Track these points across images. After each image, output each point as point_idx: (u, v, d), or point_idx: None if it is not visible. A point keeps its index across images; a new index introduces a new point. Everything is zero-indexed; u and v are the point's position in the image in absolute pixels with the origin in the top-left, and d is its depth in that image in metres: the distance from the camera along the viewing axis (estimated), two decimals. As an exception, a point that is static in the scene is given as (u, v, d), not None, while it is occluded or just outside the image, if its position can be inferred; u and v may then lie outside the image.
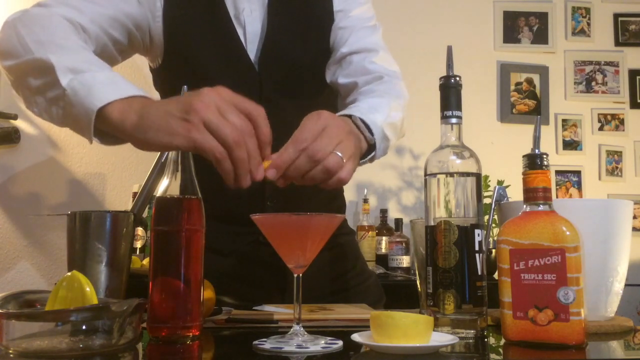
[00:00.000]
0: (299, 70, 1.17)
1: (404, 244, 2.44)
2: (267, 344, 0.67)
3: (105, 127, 0.83)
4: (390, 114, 1.02)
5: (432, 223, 0.78)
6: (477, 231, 0.76)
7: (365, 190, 2.66)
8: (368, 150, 0.97)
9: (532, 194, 0.74)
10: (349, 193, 1.41)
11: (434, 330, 0.68)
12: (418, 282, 0.92)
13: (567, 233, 0.70)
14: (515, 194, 0.83)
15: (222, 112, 0.74)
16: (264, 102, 0.81)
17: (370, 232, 2.50)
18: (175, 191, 0.75)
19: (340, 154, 0.80)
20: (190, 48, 1.13)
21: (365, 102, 1.04)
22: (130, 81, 0.86)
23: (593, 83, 2.96)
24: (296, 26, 1.17)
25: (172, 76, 1.18)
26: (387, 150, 1.02)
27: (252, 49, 1.14)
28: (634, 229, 2.70)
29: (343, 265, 1.25)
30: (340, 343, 0.69)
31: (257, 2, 1.15)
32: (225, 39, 1.14)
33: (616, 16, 3.00)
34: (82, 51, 0.93)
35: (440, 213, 0.78)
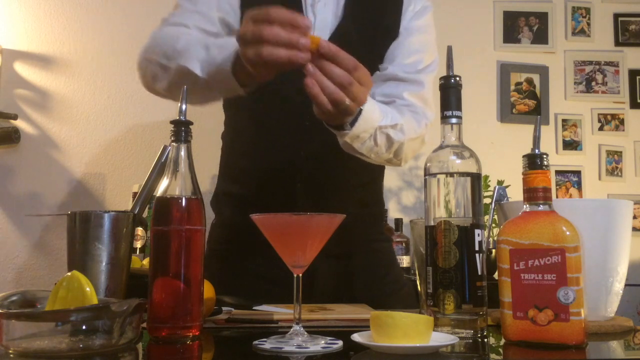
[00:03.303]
0: None
1: (404, 244, 2.44)
2: (267, 344, 0.68)
3: (244, 74, 0.96)
4: (393, 124, 1.06)
5: (432, 223, 0.78)
6: (477, 231, 0.76)
7: (365, 190, 2.66)
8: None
9: (532, 194, 0.74)
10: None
11: (434, 330, 0.68)
12: (418, 282, 0.92)
13: (567, 233, 0.70)
14: (515, 194, 0.83)
15: None
16: None
17: (370, 232, 2.50)
18: (175, 191, 0.75)
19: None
20: None
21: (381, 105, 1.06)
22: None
23: (593, 83, 2.96)
24: (364, 31, 1.19)
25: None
26: (367, 148, 1.06)
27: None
28: (634, 229, 2.70)
29: (377, 271, 1.25)
30: (340, 343, 0.69)
31: None
32: None
33: (616, 16, 3.00)
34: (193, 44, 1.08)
35: (440, 213, 0.78)
